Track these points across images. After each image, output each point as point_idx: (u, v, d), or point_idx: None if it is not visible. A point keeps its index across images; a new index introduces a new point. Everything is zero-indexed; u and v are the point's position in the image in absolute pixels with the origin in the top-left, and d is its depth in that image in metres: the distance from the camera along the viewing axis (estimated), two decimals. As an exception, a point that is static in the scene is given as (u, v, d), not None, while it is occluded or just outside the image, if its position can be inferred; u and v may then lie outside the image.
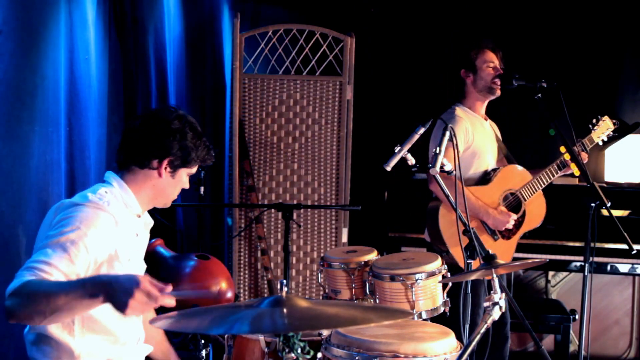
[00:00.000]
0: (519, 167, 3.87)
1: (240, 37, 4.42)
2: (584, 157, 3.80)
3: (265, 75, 4.54)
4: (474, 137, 3.73)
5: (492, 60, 3.79)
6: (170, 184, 2.42)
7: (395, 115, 5.02)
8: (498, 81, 3.76)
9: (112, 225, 2.26)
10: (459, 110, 3.78)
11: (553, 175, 3.82)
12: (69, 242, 2.12)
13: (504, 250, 3.70)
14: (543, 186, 3.82)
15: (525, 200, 3.78)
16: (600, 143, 3.93)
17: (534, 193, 3.80)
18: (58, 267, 2.06)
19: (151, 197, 2.43)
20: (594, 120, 3.91)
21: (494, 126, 4.02)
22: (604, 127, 3.92)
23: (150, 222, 2.54)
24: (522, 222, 3.79)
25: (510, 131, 4.93)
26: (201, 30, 4.69)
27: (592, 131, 3.89)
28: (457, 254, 3.61)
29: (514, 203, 3.78)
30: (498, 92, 3.82)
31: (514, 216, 3.70)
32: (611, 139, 4.01)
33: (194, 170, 2.47)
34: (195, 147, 2.40)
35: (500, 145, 3.97)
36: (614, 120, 3.95)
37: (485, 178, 3.75)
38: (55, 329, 2.27)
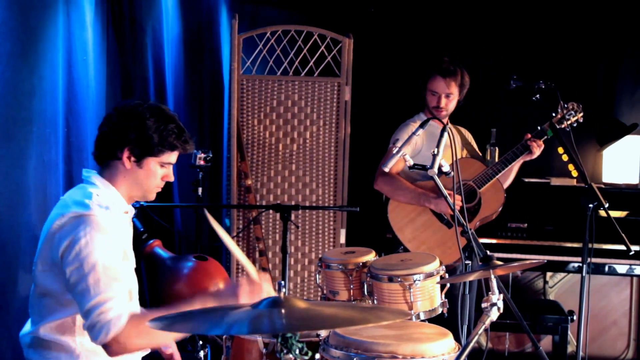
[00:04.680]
0: (472, 160, 3.99)
1: (239, 38, 4.42)
2: (540, 144, 3.82)
3: (263, 76, 4.54)
4: (425, 142, 3.88)
5: (436, 90, 3.92)
6: (139, 175, 2.36)
7: (394, 116, 5.01)
8: (438, 112, 3.90)
9: (116, 227, 2.28)
10: (417, 117, 4.00)
11: (510, 161, 3.87)
12: (103, 269, 2.17)
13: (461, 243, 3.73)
14: (500, 173, 3.87)
15: (479, 188, 3.87)
16: (568, 129, 3.89)
17: (488, 181, 3.87)
18: (117, 296, 2.16)
19: (127, 189, 2.39)
20: (558, 108, 3.89)
21: (465, 133, 4.16)
22: (568, 113, 3.90)
23: (132, 211, 2.50)
24: (479, 210, 3.86)
25: (508, 132, 4.94)
26: (199, 31, 4.69)
27: (552, 117, 3.88)
28: (412, 247, 3.82)
29: (467, 192, 3.86)
30: (442, 118, 3.94)
31: (458, 197, 3.73)
32: (577, 126, 3.96)
33: (168, 159, 2.39)
34: (158, 134, 2.32)
35: (469, 148, 4.11)
36: (578, 104, 3.93)
37: (445, 175, 3.78)
38: (55, 330, 2.27)
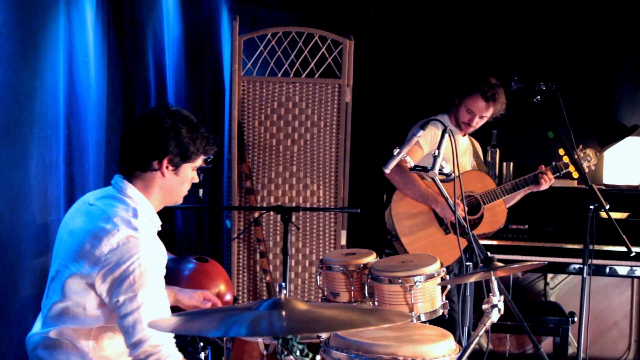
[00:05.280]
0: (482, 174, 4.03)
1: (239, 40, 4.42)
2: (550, 178, 3.89)
3: (264, 78, 4.54)
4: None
5: (473, 110, 3.94)
6: (176, 182, 2.43)
7: (394, 118, 5.02)
8: (465, 127, 3.97)
9: (159, 245, 2.34)
10: (441, 118, 3.96)
11: (520, 187, 3.94)
12: (157, 300, 2.25)
13: (453, 246, 3.75)
14: (507, 195, 3.95)
15: (484, 204, 3.91)
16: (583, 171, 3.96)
17: (494, 199, 3.93)
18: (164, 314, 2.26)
19: (161, 198, 2.44)
20: (577, 149, 3.95)
21: (475, 145, 4.20)
22: (584, 158, 3.98)
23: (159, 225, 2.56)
24: (479, 224, 3.91)
25: (509, 133, 4.94)
26: (200, 33, 4.69)
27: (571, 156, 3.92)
28: (406, 242, 3.87)
29: (471, 205, 3.92)
30: (467, 133, 4.06)
31: (460, 204, 3.78)
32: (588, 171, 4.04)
33: (198, 163, 2.47)
34: (193, 141, 2.39)
35: (478, 161, 4.11)
36: (596, 153, 4.01)
37: (446, 176, 3.81)
38: (71, 332, 2.28)
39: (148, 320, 2.18)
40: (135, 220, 2.28)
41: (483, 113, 3.92)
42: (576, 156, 3.93)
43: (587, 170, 3.99)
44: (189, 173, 2.45)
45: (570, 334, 4.37)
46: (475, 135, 4.30)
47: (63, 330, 2.28)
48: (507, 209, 3.98)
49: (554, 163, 3.94)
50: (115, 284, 2.21)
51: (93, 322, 2.29)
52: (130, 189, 2.37)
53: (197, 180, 2.51)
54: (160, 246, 2.37)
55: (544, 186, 3.92)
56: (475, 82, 3.93)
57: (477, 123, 3.96)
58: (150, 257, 2.25)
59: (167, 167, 2.38)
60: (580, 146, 3.99)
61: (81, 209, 2.39)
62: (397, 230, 3.91)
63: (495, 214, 3.94)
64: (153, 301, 2.24)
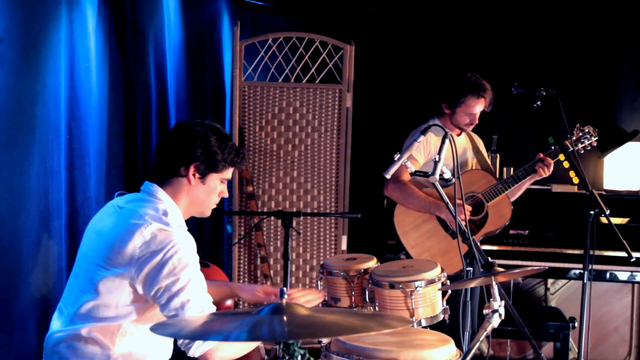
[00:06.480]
0: (483, 172, 3.98)
1: (240, 45, 4.43)
2: (549, 162, 3.83)
3: (265, 83, 4.55)
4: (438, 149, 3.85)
5: (471, 112, 3.90)
6: (202, 191, 2.45)
7: (395, 122, 5.02)
8: (468, 128, 3.93)
9: (191, 238, 2.37)
10: (432, 121, 3.91)
11: (522, 178, 3.87)
12: (199, 283, 2.29)
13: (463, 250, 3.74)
14: (509, 189, 3.89)
15: (487, 202, 3.87)
16: (582, 151, 3.93)
17: (497, 195, 3.87)
18: (210, 309, 2.32)
19: (187, 206, 2.46)
20: (574, 130, 3.91)
21: (476, 140, 4.14)
22: (584, 136, 3.92)
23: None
24: (485, 223, 3.87)
25: (509, 138, 4.95)
26: (201, 38, 4.70)
27: (568, 138, 3.89)
28: (414, 254, 3.86)
29: (475, 204, 3.87)
30: (465, 130, 4.01)
31: (468, 207, 3.78)
32: (590, 149, 3.99)
33: (227, 175, 2.49)
34: (221, 150, 2.43)
35: (479, 157, 4.05)
36: (595, 129, 3.94)
37: (446, 181, 3.78)
38: (99, 331, 2.30)
39: (195, 301, 2.25)
40: (165, 217, 2.33)
41: (481, 108, 3.88)
42: (575, 137, 3.89)
43: (589, 148, 3.93)
44: (217, 185, 2.48)
45: (570, 339, 4.36)
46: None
47: (91, 328, 2.30)
48: (511, 204, 3.91)
49: (552, 147, 3.87)
50: (153, 273, 2.25)
51: (123, 319, 2.31)
52: (160, 192, 2.42)
53: (226, 194, 2.53)
54: (192, 240, 2.39)
55: (544, 173, 3.84)
56: (460, 87, 3.88)
57: (477, 118, 3.92)
58: (185, 243, 2.29)
59: (193, 174, 2.42)
60: (578, 125, 3.90)
61: (110, 211, 2.44)
62: (404, 244, 3.88)
63: (500, 210, 3.88)
64: (197, 283, 2.29)
